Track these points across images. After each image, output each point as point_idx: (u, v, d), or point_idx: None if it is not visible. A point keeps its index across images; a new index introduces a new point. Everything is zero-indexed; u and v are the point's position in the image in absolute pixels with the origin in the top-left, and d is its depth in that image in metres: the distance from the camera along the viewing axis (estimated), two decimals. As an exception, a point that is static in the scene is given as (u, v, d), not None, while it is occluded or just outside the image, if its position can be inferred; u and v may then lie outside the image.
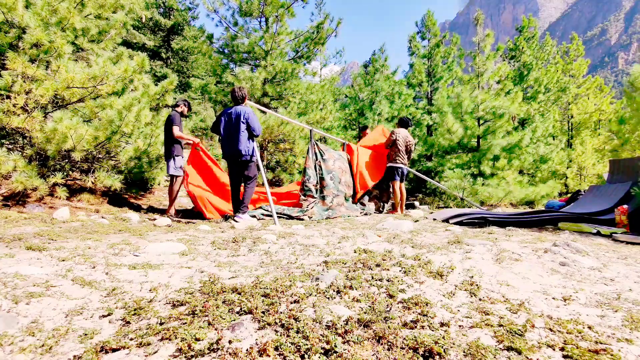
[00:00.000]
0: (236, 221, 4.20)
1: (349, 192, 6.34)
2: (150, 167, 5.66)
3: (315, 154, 5.99)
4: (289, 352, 1.04)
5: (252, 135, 4.46)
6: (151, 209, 5.56)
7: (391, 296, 1.55)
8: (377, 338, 1.15)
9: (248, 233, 3.33)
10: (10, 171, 4.03)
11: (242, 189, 4.65)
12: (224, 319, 1.28)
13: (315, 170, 5.87)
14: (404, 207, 6.34)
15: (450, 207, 7.92)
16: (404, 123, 6.50)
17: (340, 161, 6.31)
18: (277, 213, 4.97)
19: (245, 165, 4.48)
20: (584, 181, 14.92)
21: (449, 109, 9.78)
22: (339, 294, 1.58)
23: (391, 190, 6.54)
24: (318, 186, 5.79)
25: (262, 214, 4.87)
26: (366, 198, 6.70)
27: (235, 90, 4.53)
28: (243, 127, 4.39)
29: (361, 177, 6.55)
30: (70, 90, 4.48)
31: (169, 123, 4.86)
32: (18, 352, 1.07)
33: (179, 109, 5.01)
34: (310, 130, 6.25)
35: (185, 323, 1.26)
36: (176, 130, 4.81)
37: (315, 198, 5.56)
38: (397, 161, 6.24)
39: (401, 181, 6.28)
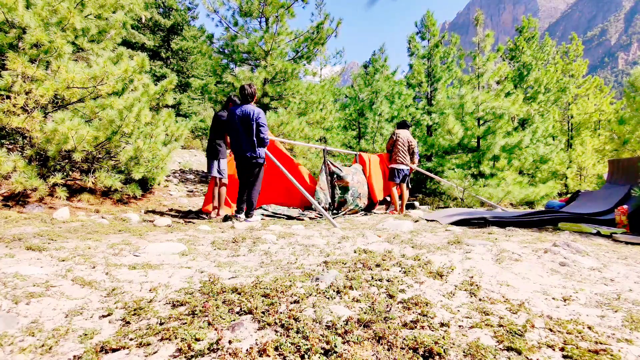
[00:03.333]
0: (249, 220, 4.25)
1: (365, 202, 6.28)
2: (151, 167, 5.66)
3: (331, 173, 5.85)
4: (289, 352, 1.04)
5: (260, 137, 4.30)
6: (151, 209, 5.56)
7: (391, 296, 1.55)
8: (377, 338, 1.15)
9: (248, 233, 3.33)
10: (10, 171, 4.03)
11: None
12: (224, 319, 1.28)
13: (331, 190, 5.76)
14: (404, 208, 6.27)
15: (450, 207, 7.91)
16: (404, 124, 6.42)
17: (357, 175, 6.22)
18: (276, 213, 4.97)
19: (257, 167, 4.36)
20: (584, 181, 14.92)
21: (450, 110, 9.78)
22: (339, 294, 1.58)
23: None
24: (334, 205, 5.72)
25: (262, 214, 4.86)
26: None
27: (245, 88, 4.35)
28: (254, 127, 4.22)
29: (372, 187, 6.48)
30: (70, 91, 4.48)
31: (218, 123, 4.73)
32: (18, 352, 1.07)
33: (229, 106, 4.84)
34: (324, 150, 6.15)
35: (185, 323, 1.26)
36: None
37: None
38: (398, 161, 6.12)
39: (402, 182, 6.19)
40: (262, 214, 4.87)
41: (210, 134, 4.95)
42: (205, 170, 8.44)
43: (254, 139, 4.25)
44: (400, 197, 6.24)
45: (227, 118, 4.42)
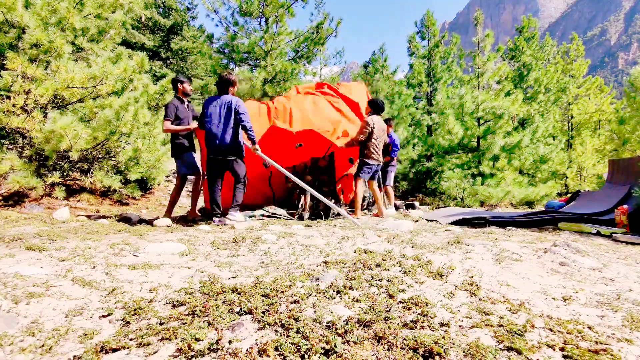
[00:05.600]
0: (229, 219, 3.98)
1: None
2: (150, 167, 5.66)
3: None
4: (289, 352, 1.04)
5: (242, 128, 4.03)
6: (151, 210, 5.56)
7: (391, 296, 1.55)
8: (377, 338, 1.15)
9: (248, 233, 3.33)
10: (8, 171, 4.03)
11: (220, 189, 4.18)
12: (224, 319, 1.28)
13: None
14: (381, 209, 5.24)
15: (449, 207, 7.91)
16: (378, 107, 5.11)
17: None
18: (275, 214, 4.96)
19: (233, 163, 4.05)
20: (584, 181, 14.93)
21: (450, 110, 9.79)
22: (339, 294, 1.58)
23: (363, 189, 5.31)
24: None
25: (262, 215, 4.86)
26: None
27: (223, 76, 4.04)
28: (232, 118, 3.96)
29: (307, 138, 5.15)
30: (70, 90, 4.48)
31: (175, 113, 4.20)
32: (18, 352, 1.07)
33: (178, 93, 4.37)
34: None
35: (185, 323, 1.26)
36: (166, 125, 4.13)
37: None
38: (372, 157, 5.02)
39: (371, 179, 5.25)
40: (262, 215, 4.86)
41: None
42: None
43: (234, 130, 3.99)
44: (370, 196, 5.48)
45: (202, 112, 4.09)
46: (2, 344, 1.10)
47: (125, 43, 15.23)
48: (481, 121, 9.98)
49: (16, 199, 4.27)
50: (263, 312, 1.33)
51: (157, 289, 1.67)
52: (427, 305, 1.45)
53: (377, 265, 2.06)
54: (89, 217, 4.22)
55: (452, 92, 12.01)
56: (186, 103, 4.45)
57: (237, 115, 3.96)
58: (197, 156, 4.55)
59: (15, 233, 2.84)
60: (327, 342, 1.09)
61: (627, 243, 3.39)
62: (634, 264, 2.43)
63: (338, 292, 1.60)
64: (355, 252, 2.51)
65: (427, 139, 11.22)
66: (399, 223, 3.98)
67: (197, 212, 4.73)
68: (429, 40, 13.14)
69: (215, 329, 1.20)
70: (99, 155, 5.08)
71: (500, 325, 1.28)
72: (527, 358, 1.07)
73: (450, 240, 2.99)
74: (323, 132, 4.88)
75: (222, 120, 3.98)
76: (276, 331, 1.20)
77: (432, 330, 1.24)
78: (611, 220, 4.45)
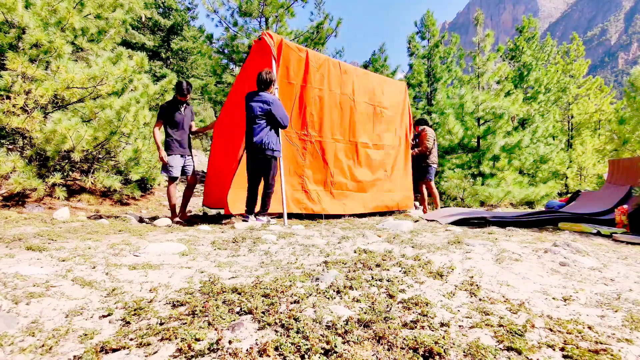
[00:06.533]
0: (255, 220, 4.04)
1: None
2: (150, 167, 5.66)
3: None
4: (289, 352, 1.04)
5: (275, 126, 4.00)
6: (151, 210, 5.56)
7: (391, 296, 1.55)
8: (377, 338, 1.15)
9: (248, 233, 3.33)
10: (9, 172, 4.03)
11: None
12: (224, 319, 1.28)
13: None
14: (438, 205, 6.58)
15: (449, 207, 7.90)
16: (425, 122, 6.61)
17: None
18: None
19: (265, 162, 3.98)
20: (584, 181, 14.93)
21: (450, 110, 9.78)
22: (339, 294, 1.58)
23: (425, 190, 6.62)
24: None
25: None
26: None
27: (262, 74, 3.99)
28: (262, 116, 3.92)
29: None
30: (70, 91, 4.48)
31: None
32: (18, 353, 1.07)
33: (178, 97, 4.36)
34: None
35: (185, 323, 1.26)
36: (155, 128, 4.23)
37: None
38: (434, 161, 6.38)
39: (430, 180, 6.55)
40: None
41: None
42: (205, 170, 8.33)
43: (262, 127, 3.93)
44: (431, 194, 6.56)
45: (246, 106, 4.07)
46: (2, 344, 1.10)
47: (125, 43, 15.23)
48: (481, 121, 9.98)
49: (17, 199, 4.27)
50: (263, 312, 1.33)
51: (157, 289, 1.67)
52: (427, 305, 1.45)
53: (377, 265, 2.06)
54: (89, 217, 4.22)
55: (452, 92, 12.00)
56: (183, 107, 4.40)
57: (269, 111, 3.94)
58: (189, 160, 4.55)
59: (15, 233, 2.84)
60: (327, 342, 1.09)
61: (627, 243, 3.39)
62: (634, 264, 2.43)
63: (338, 292, 1.60)
64: (355, 252, 2.51)
65: (427, 139, 11.20)
66: (399, 223, 3.98)
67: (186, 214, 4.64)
68: (428, 40, 13.14)
69: (215, 329, 1.20)
70: (99, 156, 5.08)
71: (500, 325, 1.28)
72: (527, 358, 1.07)
73: (450, 240, 2.99)
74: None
75: (252, 118, 3.96)
76: (276, 331, 1.20)
77: (432, 330, 1.24)
78: (611, 220, 4.45)
